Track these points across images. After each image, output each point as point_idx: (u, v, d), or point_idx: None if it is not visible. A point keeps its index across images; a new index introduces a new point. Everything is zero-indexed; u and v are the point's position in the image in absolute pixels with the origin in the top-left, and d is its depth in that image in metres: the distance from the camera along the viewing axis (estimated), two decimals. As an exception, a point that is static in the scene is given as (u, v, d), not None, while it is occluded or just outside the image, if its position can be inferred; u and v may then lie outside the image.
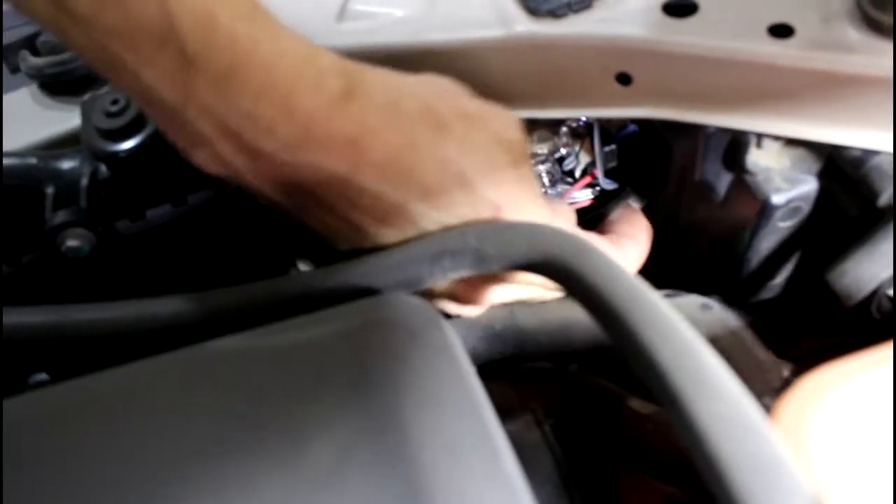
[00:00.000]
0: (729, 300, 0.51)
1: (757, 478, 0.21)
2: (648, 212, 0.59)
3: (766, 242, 0.49)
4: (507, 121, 0.40)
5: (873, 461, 0.23)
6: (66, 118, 0.53)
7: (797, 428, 0.25)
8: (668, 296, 0.49)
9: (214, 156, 0.37)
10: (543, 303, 0.48)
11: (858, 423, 0.24)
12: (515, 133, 0.40)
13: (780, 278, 0.52)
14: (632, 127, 0.61)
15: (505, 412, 0.31)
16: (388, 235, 0.38)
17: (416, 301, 0.35)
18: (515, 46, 0.45)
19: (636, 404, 0.52)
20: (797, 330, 0.53)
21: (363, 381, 0.29)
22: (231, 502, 0.25)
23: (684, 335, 0.25)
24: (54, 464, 0.27)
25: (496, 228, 0.31)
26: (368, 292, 0.34)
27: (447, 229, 0.36)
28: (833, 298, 0.48)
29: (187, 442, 0.27)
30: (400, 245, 0.36)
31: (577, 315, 0.48)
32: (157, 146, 0.46)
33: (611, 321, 0.26)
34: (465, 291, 0.43)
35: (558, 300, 0.48)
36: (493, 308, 0.48)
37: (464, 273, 0.33)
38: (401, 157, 0.36)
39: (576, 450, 0.47)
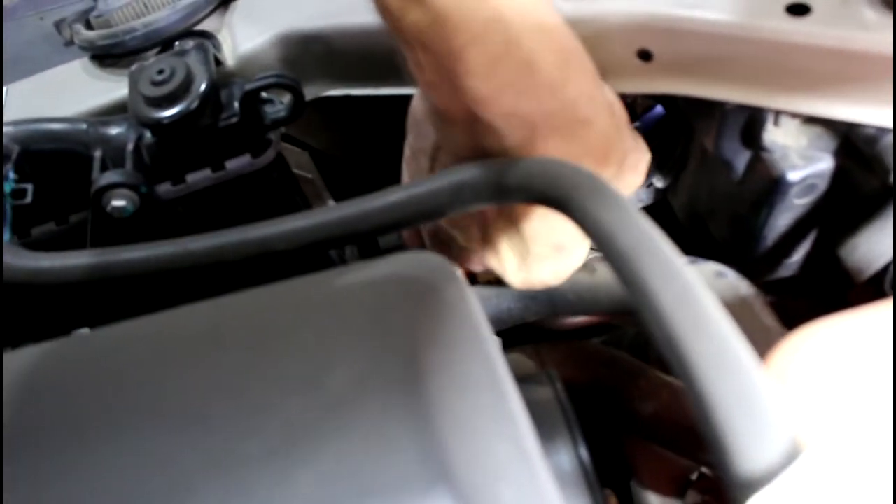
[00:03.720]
0: (747, 277, 0.52)
1: (740, 415, 0.23)
2: (670, 191, 0.60)
3: (783, 219, 0.49)
4: None
5: (857, 403, 0.24)
6: (114, 88, 0.56)
7: (783, 374, 0.26)
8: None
9: None
10: None
11: (842, 370, 0.25)
12: None
13: (797, 256, 0.53)
14: (658, 109, 0.62)
15: (522, 374, 0.33)
16: None
17: (436, 258, 0.37)
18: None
19: (653, 374, 0.53)
20: (814, 310, 0.53)
21: (381, 325, 0.31)
22: (251, 420, 0.27)
23: (687, 280, 0.26)
24: (93, 395, 0.30)
25: (517, 162, 0.32)
26: (395, 225, 0.35)
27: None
28: (847, 277, 0.48)
29: (217, 372, 0.30)
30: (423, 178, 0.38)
31: (602, 277, 0.50)
32: (199, 114, 0.49)
33: (617, 262, 0.28)
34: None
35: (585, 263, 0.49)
36: None
37: (483, 206, 0.34)
38: None
39: (590, 417, 0.48)
